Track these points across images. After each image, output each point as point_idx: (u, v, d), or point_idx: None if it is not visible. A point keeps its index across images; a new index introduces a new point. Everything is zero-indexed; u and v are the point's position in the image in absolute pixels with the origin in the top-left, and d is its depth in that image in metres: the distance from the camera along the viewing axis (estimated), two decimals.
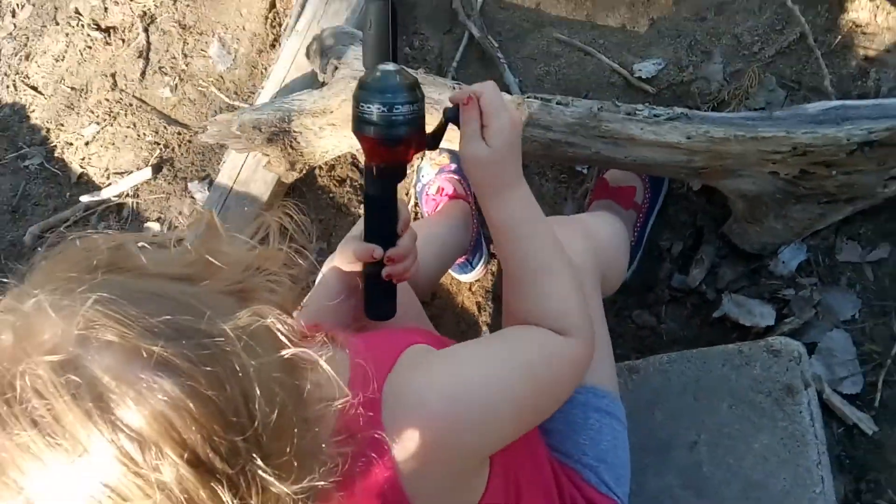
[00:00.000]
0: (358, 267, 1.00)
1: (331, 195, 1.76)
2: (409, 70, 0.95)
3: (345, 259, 1.01)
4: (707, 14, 1.59)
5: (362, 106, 0.90)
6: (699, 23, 1.59)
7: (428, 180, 1.66)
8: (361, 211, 1.69)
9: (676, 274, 1.51)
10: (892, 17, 1.46)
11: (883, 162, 1.31)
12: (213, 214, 0.76)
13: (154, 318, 0.58)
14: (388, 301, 1.03)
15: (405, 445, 0.73)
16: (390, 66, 0.91)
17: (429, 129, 0.96)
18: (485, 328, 1.57)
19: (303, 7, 1.84)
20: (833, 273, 1.41)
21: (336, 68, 1.60)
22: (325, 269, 1.08)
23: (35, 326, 0.57)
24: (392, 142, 0.91)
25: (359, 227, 1.03)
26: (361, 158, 1.72)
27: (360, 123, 0.91)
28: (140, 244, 0.69)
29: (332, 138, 1.58)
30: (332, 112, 1.55)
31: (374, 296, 1.02)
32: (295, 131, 1.59)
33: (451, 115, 0.94)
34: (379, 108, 0.89)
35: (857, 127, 1.28)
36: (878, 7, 1.46)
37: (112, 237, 0.71)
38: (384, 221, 0.98)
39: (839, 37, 1.48)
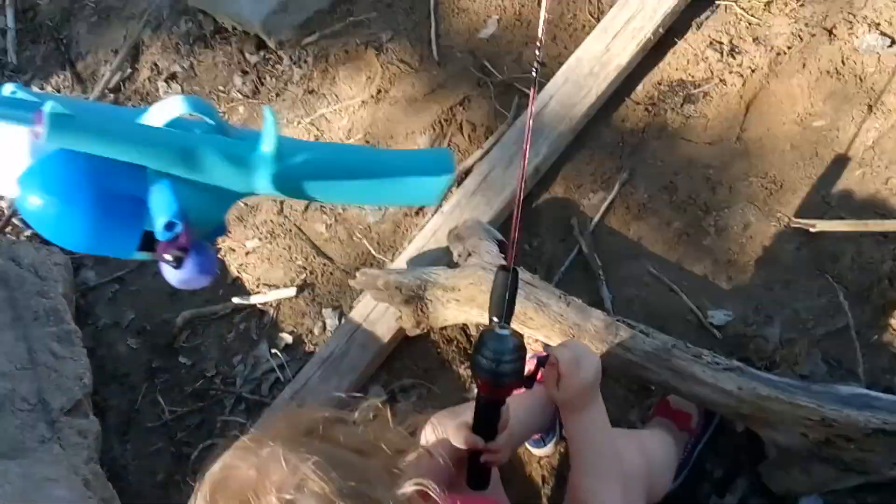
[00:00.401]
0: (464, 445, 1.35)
1: (438, 350, 2.11)
2: (516, 332, 1.27)
3: (457, 439, 1.35)
4: (775, 286, 1.95)
5: (478, 357, 1.23)
6: (767, 291, 1.95)
7: None
8: (461, 371, 2.07)
9: (714, 496, 1.81)
10: None
11: (893, 448, 1.62)
12: (385, 407, 1.08)
13: (345, 481, 0.88)
14: (484, 477, 1.39)
15: None
16: (505, 331, 1.23)
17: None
18: (544, 500, 1.88)
19: (450, 192, 2.26)
20: None
21: (469, 255, 2.00)
22: (431, 435, 1.44)
23: (270, 469, 0.88)
24: (496, 385, 1.26)
25: (469, 414, 1.36)
26: (472, 329, 2.11)
27: (476, 366, 1.25)
28: (338, 418, 1.01)
29: (454, 311, 1.95)
30: (459, 290, 1.92)
31: (474, 472, 1.38)
32: (427, 298, 1.96)
33: (542, 363, 1.33)
34: (489, 362, 1.23)
35: (875, 416, 1.59)
36: None
37: (324, 410, 1.03)
38: (489, 424, 1.33)
39: (878, 335, 1.83)
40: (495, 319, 1.26)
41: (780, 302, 1.93)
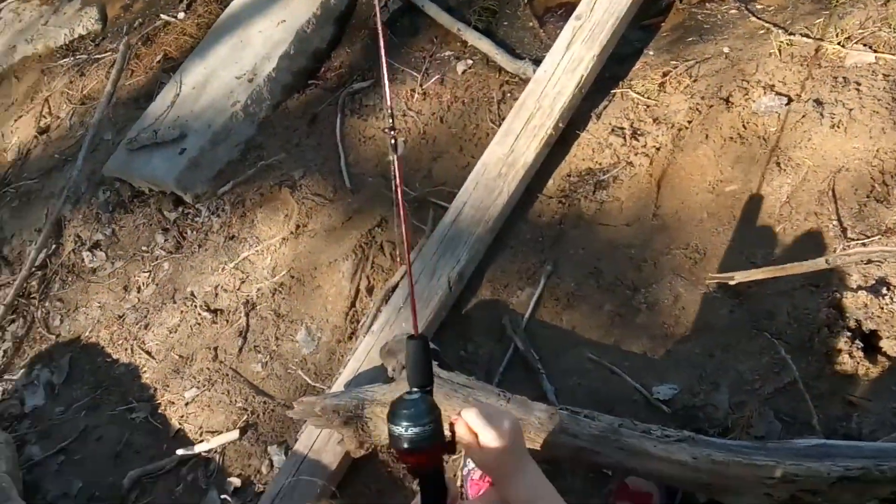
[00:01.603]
0: None
1: (388, 469, 2.01)
2: (428, 396, 1.22)
3: None
4: (715, 352, 1.90)
5: (392, 426, 1.18)
6: (709, 358, 1.90)
7: (473, 466, 1.91)
8: (414, 486, 1.96)
9: None
10: (871, 371, 1.75)
11: (860, 493, 1.54)
12: None
13: None
14: None
15: None
16: (414, 396, 1.20)
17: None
18: None
19: (378, 311, 2.22)
20: None
21: (403, 367, 1.94)
22: None
23: None
24: (411, 453, 1.18)
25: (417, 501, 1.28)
26: None
27: (392, 438, 1.18)
28: None
29: None
30: None
31: None
32: (366, 417, 1.88)
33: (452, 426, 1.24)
34: (398, 429, 1.17)
35: (836, 464, 1.52)
36: (858, 362, 1.76)
37: None
38: (435, 496, 1.25)
39: (827, 384, 1.77)
40: (415, 389, 1.21)
41: (724, 367, 1.88)
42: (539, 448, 1.68)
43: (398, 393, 1.82)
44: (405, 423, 1.16)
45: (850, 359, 1.77)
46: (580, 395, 1.95)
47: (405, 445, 1.17)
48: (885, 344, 1.76)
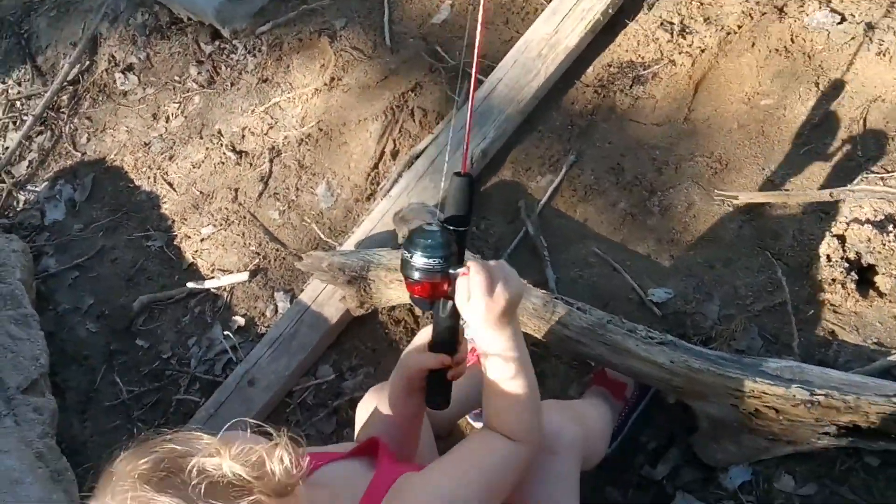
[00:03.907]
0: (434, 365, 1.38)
1: (386, 331, 2.24)
2: (447, 232, 1.26)
3: (412, 366, 1.39)
4: (716, 264, 2.07)
5: (403, 251, 1.26)
6: (708, 269, 2.07)
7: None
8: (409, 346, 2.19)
9: (647, 465, 1.93)
10: (860, 305, 1.92)
11: (819, 419, 1.73)
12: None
13: None
14: (447, 395, 1.42)
15: None
16: (434, 227, 1.25)
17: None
18: None
19: (399, 176, 2.40)
20: (769, 497, 1.80)
21: None
22: (370, 407, 1.55)
23: None
24: (417, 282, 1.25)
25: (415, 344, 1.44)
26: (418, 310, 2.24)
27: (401, 262, 1.27)
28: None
29: (397, 291, 2.08)
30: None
31: (437, 391, 1.41)
32: (370, 279, 2.09)
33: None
34: (408, 255, 1.24)
35: (803, 387, 1.71)
36: (849, 294, 1.92)
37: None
38: (450, 334, 1.37)
39: (814, 311, 1.94)
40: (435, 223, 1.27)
41: (721, 279, 2.05)
42: (528, 331, 1.89)
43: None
44: (419, 252, 1.23)
45: (842, 289, 1.92)
46: (579, 287, 2.14)
47: (414, 275, 1.25)
48: (879, 280, 1.91)
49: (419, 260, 1.24)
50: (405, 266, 1.26)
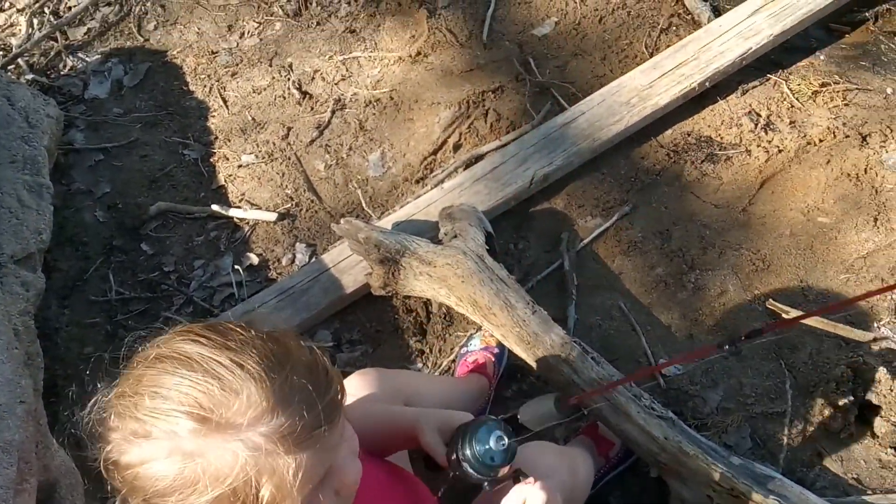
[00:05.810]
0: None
1: (395, 316, 2.35)
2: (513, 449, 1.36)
3: (426, 441, 1.44)
4: (730, 357, 2.21)
5: (469, 441, 1.34)
6: (721, 358, 2.21)
7: (471, 350, 2.26)
8: (411, 343, 2.31)
9: None
10: (852, 439, 2.07)
11: None
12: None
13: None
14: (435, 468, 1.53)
15: None
16: (509, 442, 1.35)
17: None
18: None
19: (455, 171, 2.51)
20: None
21: (455, 236, 2.24)
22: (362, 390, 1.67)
23: None
24: (454, 471, 1.36)
25: (444, 419, 1.48)
26: (435, 306, 2.35)
27: (457, 447, 1.35)
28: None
29: (424, 284, 2.18)
30: (434, 266, 2.14)
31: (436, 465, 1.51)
32: (402, 264, 2.19)
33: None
34: (469, 453, 1.34)
35: (779, 502, 1.86)
36: (846, 425, 2.08)
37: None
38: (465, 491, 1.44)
39: (809, 431, 2.10)
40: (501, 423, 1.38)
41: (730, 372, 2.19)
42: (538, 366, 2.01)
43: (440, 258, 2.15)
44: (478, 459, 1.34)
45: (841, 419, 2.08)
46: (594, 335, 2.27)
47: (457, 469, 1.36)
48: (878, 422, 2.06)
49: (473, 466, 1.34)
50: (458, 460, 1.35)
